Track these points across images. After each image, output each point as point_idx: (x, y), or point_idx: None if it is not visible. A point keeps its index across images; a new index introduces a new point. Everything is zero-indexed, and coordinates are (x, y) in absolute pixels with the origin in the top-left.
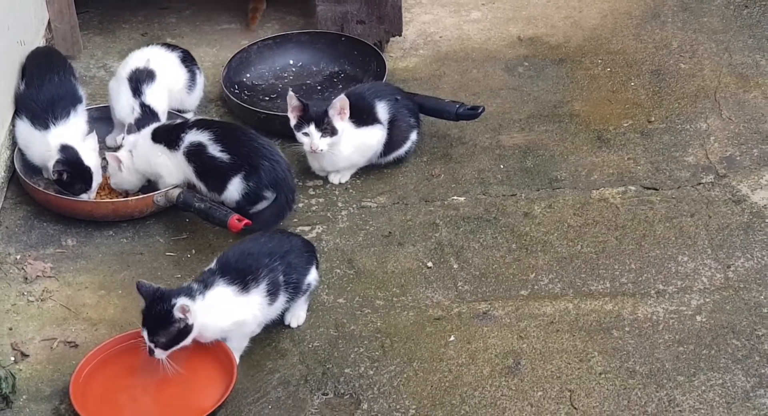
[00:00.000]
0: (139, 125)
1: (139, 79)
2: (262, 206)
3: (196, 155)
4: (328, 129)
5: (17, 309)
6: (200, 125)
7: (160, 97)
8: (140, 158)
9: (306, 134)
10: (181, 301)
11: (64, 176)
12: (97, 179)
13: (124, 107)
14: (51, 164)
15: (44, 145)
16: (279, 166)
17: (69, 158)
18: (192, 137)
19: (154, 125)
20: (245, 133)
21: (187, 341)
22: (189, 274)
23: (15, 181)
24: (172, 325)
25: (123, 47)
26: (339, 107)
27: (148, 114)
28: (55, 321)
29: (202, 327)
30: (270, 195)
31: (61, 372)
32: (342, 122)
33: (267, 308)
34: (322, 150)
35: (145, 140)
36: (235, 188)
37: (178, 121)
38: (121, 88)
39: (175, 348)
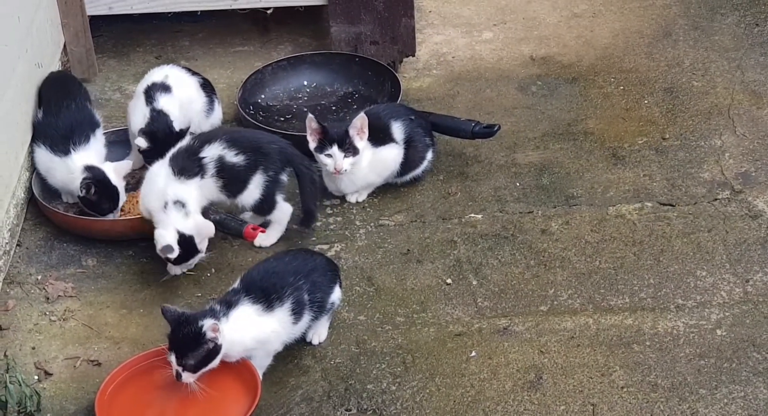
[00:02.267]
0: (150, 126)
1: (154, 90)
2: (278, 211)
3: (222, 169)
4: (350, 149)
5: (40, 329)
6: (204, 139)
7: (174, 106)
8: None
9: (329, 155)
10: (209, 322)
11: (92, 191)
12: (122, 200)
13: (138, 117)
14: (77, 184)
15: (66, 170)
16: (284, 144)
17: (97, 176)
18: (211, 153)
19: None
20: (242, 131)
21: (215, 362)
22: (209, 293)
23: (34, 202)
24: (201, 346)
25: (137, 70)
26: (359, 126)
27: (159, 117)
28: (77, 339)
29: (228, 347)
30: (286, 178)
31: (84, 390)
32: (362, 141)
33: (291, 327)
34: (345, 170)
35: (166, 178)
36: (255, 186)
37: (176, 149)
38: (137, 102)
39: (203, 371)
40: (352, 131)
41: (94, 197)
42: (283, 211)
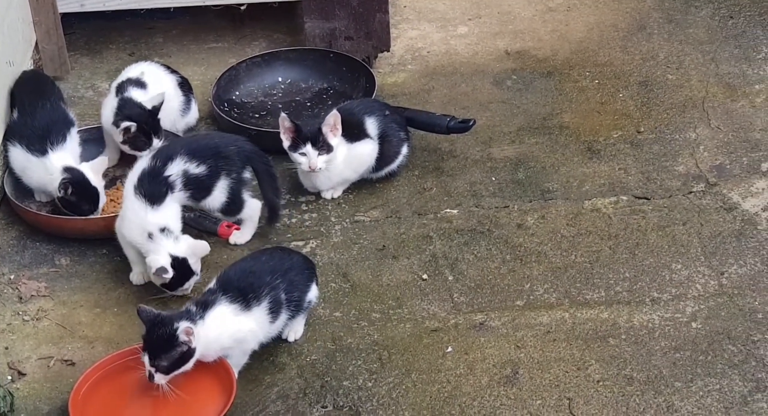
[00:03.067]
0: (122, 110)
1: (127, 85)
2: (247, 208)
3: (187, 182)
4: (324, 147)
5: (13, 329)
6: (165, 157)
7: (145, 100)
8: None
9: (303, 154)
10: (184, 325)
11: (69, 191)
12: (103, 200)
13: (107, 110)
14: (55, 184)
15: (43, 170)
16: (241, 143)
17: (75, 178)
18: (175, 170)
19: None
20: (198, 139)
21: (189, 365)
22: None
23: (6, 201)
24: (174, 349)
25: (110, 67)
26: (332, 124)
27: (128, 103)
28: (51, 339)
29: (205, 347)
30: (249, 175)
31: (58, 389)
32: (336, 138)
33: (268, 326)
34: (320, 168)
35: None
36: (220, 191)
37: (140, 172)
38: (109, 96)
39: (176, 373)
40: (325, 129)
41: (73, 198)
42: (252, 208)
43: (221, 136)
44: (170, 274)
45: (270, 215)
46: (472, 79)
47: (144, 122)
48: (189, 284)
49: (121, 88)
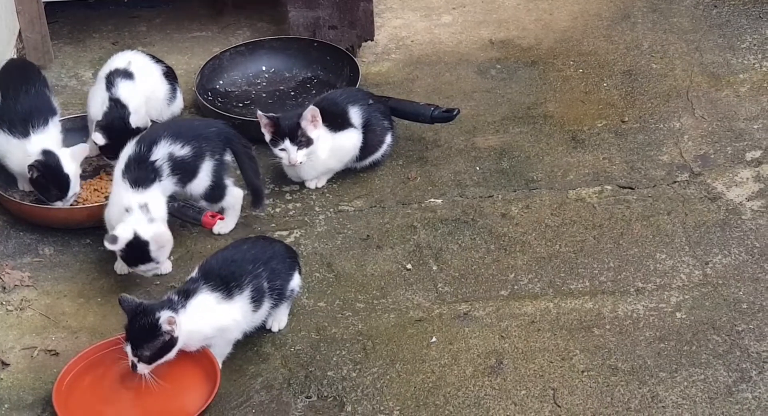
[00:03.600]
0: (107, 118)
1: (116, 77)
2: (229, 196)
3: (174, 166)
4: (303, 141)
5: None
6: (149, 141)
7: (134, 95)
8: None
9: (283, 150)
10: (166, 314)
11: (34, 175)
12: (74, 188)
13: (97, 102)
14: None
15: (23, 153)
16: (220, 126)
17: (48, 161)
18: (161, 153)
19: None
20: (178, 122)
21: (171, 355)
22: (168, 280)
23: None
24: (157, 338)
25: (94, 56)
26: (310, 117)
27: (116, 107)
28: (34, 329)
29: (187, 336)
30: (229, 159)
31: (42, 380)
32: (316, 130)
33: (251, 315)
34: (301, 162)
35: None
36: (205, 173)
37: (126, 159)
38: (97, 88)
39: (159, 362)
40: (303, 123)
41: (42, 180)
42: (234, 196)
43: (200, 119)
44: (118, 246)
45: (254, 199)
46: (456, 68)
47: (118, 139)
48: (147, 269)
49: (110, 82)
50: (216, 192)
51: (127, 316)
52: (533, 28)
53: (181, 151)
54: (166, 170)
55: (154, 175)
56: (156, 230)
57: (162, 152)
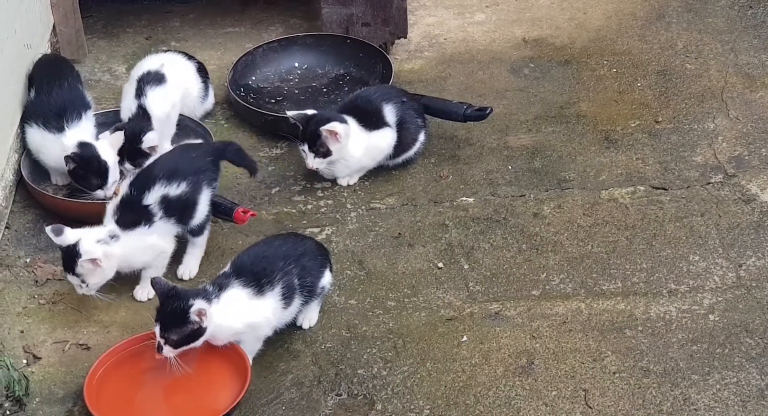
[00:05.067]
0: (129, 124)
1: (147, 82)
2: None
3: (171, 208)
4: (320, 151)
5: (28, 312)
6: (139, 182)
7: (163, 101)
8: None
9: (304, 151)
10: (198, 304)
11: (71, 165)
12: (113, 176)
13: (127, 106)
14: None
15: (60, 147)
16: (208, 149)
17: (85, 151)
18: (156, 195)
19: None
20: (173, 157)
21: (198, 343)
22: (199, 276)
23: (23, 185)
24: (186, 325)
25: (127, 51)
26: (326, 134)
27: (140, 116)
28: (66, 323)
29: (216, 329)
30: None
31: (73, 374)
32: (338, 144)
33: (281, 312)
34: (317, 169)
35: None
36: (204, 202)
37: (117, 199)
38: (129, 89)
39: (184, 348)
40: (324, 133)
41: (81, 171)
42: (207, 235)
43: (191, 146)
44: (57, 240)
45: (250, 171)
46: (489, 66)
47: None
48: (72, 281)
49: (140, 89)
50: (204, 223)
51: (159, 298)
52: (567, 26)
53: (178, 190)
54: (158, 213)
55: (146, 218)
56: (95, 251)
57: (155, 195)
